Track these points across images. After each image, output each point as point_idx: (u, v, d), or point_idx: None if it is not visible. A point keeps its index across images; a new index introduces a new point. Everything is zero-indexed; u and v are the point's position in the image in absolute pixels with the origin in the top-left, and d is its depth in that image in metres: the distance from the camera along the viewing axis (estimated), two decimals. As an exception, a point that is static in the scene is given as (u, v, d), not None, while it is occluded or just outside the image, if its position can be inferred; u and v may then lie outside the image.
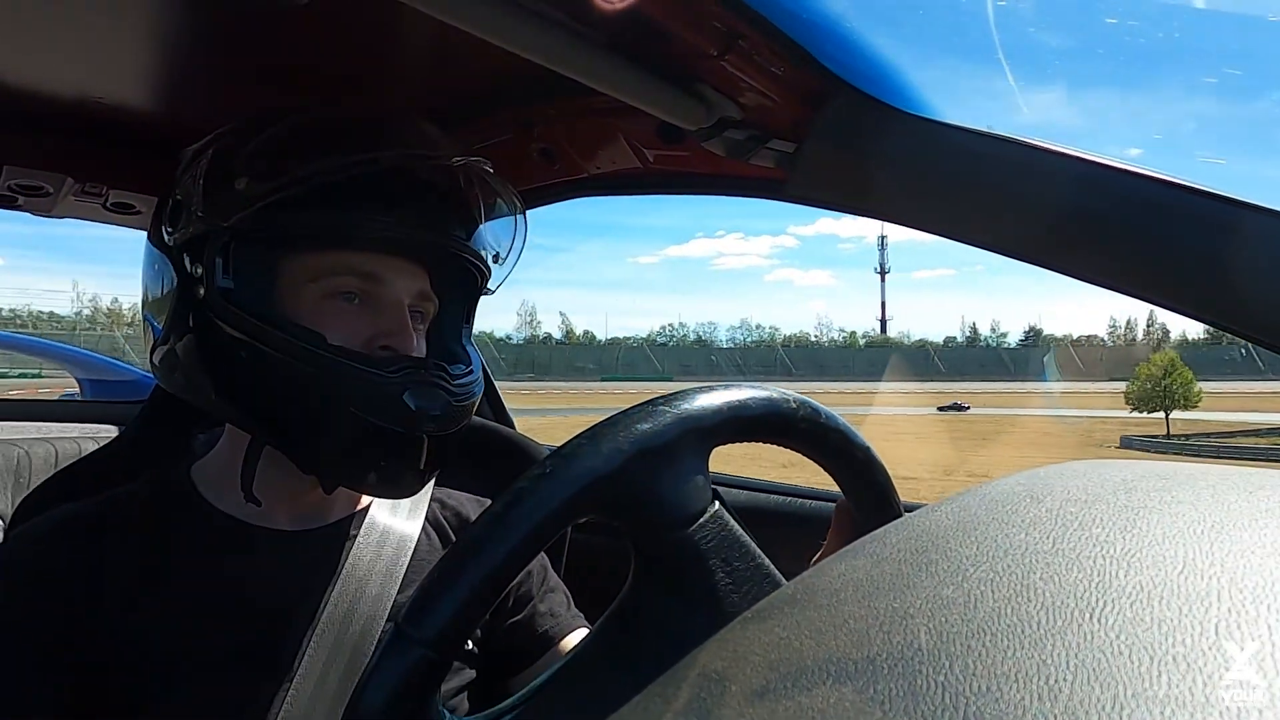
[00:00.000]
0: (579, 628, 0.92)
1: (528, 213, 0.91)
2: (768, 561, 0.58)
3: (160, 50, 1.06)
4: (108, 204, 1.48)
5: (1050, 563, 0.26)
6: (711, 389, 0.55)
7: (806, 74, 0.83)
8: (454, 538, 0.93)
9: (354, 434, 0.74)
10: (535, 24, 0.74)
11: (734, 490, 1.38)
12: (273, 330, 0.74)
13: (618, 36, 0.80)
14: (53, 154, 1.34)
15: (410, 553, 0.85)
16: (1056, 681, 0.21)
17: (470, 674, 0.88)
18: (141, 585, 0.75)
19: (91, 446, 1.70)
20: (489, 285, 0.90)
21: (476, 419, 1.40)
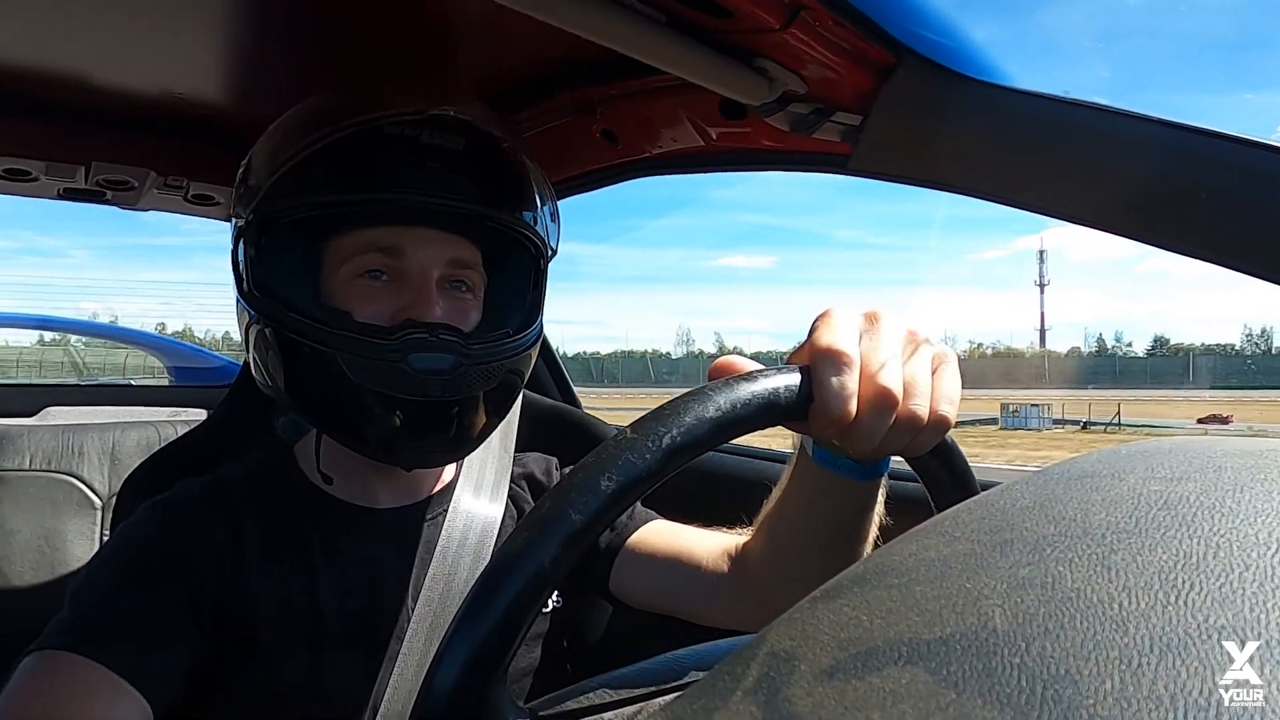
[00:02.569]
0: (640, 526, 0.90)
1: (590, 194, 0.90)
2: None
3: (232, 46, 1.09)
4: (188, 196, 1.55)
5: (1133, 542, 0.25)
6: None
7: (872, 44, 0.81)
8: (528, 498, 0.94)
9: (370, 408, 0.74)
10: (594, 4, 0.74)
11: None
12: (291, 313, 0.75)
13: (678, 13, 0.79)
14: (136, 149, 1.40)
15: (497, 531, 0.87)
16: (1140, 665, 0.20)
17: (560, 617, 0.92)
18: (268, 559, 0.78)
19: (181, 429, 1.78)
20: (551, 246, 0.88)
21: (545, 400, 1.42)
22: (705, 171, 1.19)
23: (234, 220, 0.81)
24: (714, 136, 1.08)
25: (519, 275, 0.88)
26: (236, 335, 0.83)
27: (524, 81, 1.18)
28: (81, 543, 1.65)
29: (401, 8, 0.97)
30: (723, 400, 0.44)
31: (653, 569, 0.86)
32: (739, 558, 0.80)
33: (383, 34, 1.04)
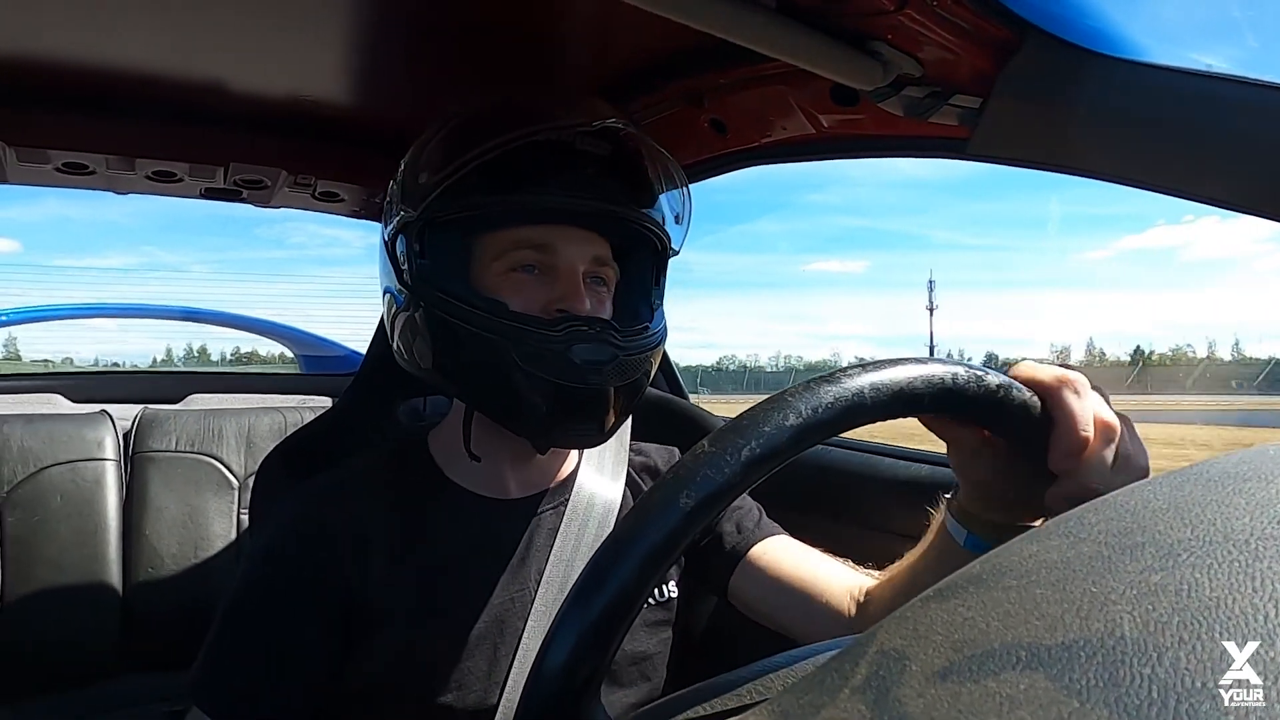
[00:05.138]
0: (765, 537, 0.92)
1: (702, 184, 0.91)
2: None
3: (355, 49, 1.15)
4: (316, 193, 1.63)
5: None
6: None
7: (993, 22, 0.77)
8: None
9: (533, 391, 0.78)
10: (704, -7, 0.73)
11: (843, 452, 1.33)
12: (458, 303, 0.80)
13: (788, -1, 0.78)
14: (269, 150, 1.49)
15: (615, 517, 0.90)
16: (1289, 682, 0.19)
17: (673, 609, 0.93)
18: (396, 548, 0.82)
19: (309, 415, 1.88)
20: (672, 247, 0.92)
21: (654, 391, 1.43)
22: (815, 160, 1.16)
23: (396, 215, 0.86)
24: (825, 124, 1.06)
25: (646, 271, 0.92)
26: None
27: (633, 73, 1.18)
28: (221, 520, 1.78)
29: (515, 5, 1.00)
30: (802, 406, 0.43)
31: (774, 588, 0.88)
32: (864, 604, 0.81)
33: (497, 31, 1.07)
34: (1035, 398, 0.53)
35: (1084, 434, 0.51)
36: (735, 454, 0.41)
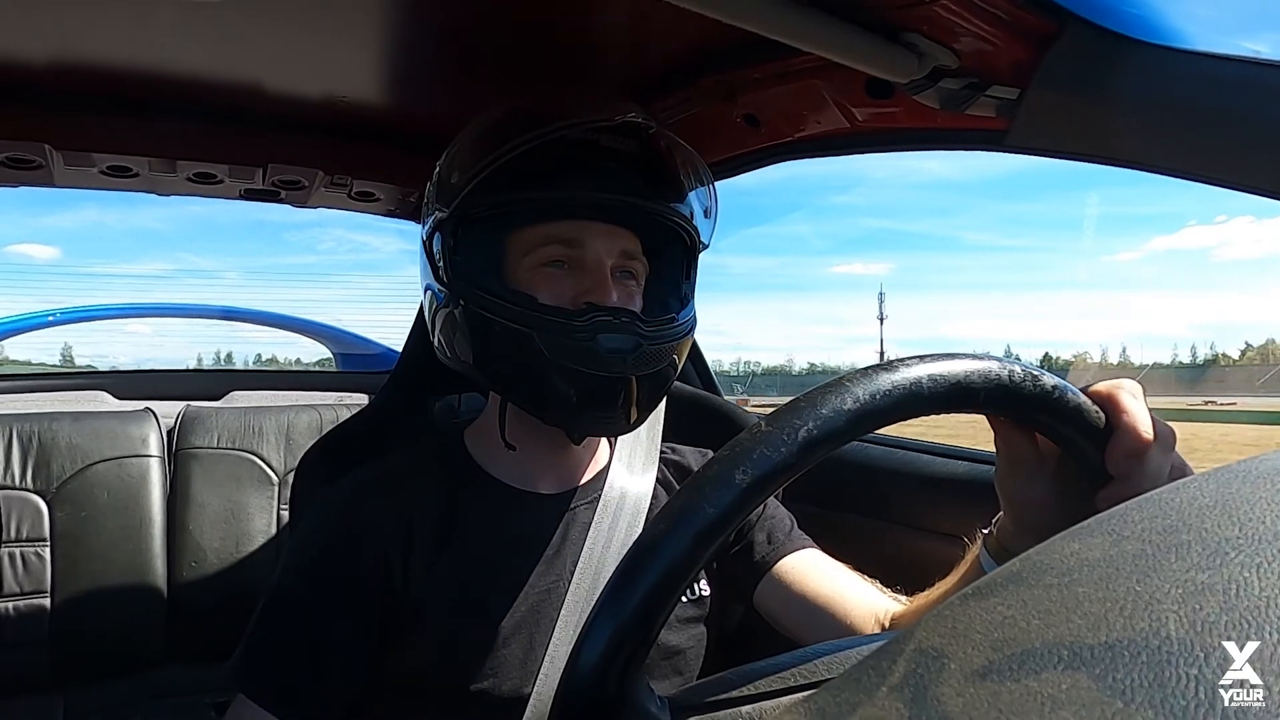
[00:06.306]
0: (795, 550, 0.93)
1: (733, 180, 0.91)
2: None
3: (389, 51, 1.16)
4: (352, 193, 1.66)
5: None
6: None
7: (1031, 11, 0.76)
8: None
9: (561, 380, 0.80)
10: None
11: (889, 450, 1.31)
12: (490, 297, 0.82)
13: (822, -9, 0.77)
14: (306, 151, 1.51)
15: (646, 513, 0.91)
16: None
17: (706, 606, 0.93)
18: (435, 541, 0.83)
19: (345, 412, 1.91)
20: (702, 240, 0.93)
21: (688, 388, 1.43)
22: (850, 154, 1.16)
23: (432, 214, 0.88)
24: (859, 118, 1.05)
25: (675, 266, 0.93)
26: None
27: (666, 69, 1.18)
28: (262, 516, 1.81)
29: (547, 6, 1.00)
30: (860, 391, 0.43)
31: (799, 604, 0.89)
32: (889, 630, 0.81)
33: (529, 31, 1.07)
34: (1091, 403, 0.53)
35: (1146, 436, 0.52)
36: (792, 434, 0.41)
